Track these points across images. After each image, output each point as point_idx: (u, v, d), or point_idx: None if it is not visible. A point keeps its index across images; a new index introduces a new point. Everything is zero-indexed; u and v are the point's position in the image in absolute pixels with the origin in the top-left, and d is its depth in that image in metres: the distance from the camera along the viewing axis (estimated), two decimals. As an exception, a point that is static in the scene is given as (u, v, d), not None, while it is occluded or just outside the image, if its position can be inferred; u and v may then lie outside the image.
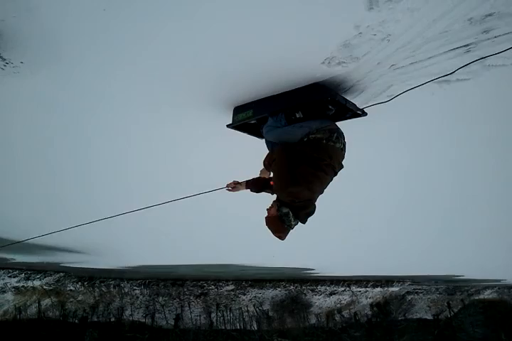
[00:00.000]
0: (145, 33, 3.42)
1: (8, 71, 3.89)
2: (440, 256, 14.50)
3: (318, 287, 23.89)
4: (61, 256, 14.41)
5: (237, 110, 4.45)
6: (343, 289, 24.40)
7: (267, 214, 3.62)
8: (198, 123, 5.09)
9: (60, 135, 5.59)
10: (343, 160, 3.82)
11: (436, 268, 18.33)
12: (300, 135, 3.74)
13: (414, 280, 25.27)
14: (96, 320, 21.80)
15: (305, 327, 24.17)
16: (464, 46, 3.55)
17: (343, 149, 3.79)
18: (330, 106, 3.97)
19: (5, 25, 3.26)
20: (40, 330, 19.62)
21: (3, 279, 18.07)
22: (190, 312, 23.05)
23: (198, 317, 23.24)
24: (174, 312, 23.04)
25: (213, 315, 23.42)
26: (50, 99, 4.60)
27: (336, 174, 3.75)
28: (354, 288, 24.49)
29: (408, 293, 26.67)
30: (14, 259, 15.41)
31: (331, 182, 3.75)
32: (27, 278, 18.71)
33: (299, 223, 3.64)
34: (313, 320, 24.83)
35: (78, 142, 5.80)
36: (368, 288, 24.72)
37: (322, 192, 3.73)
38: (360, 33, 3.38)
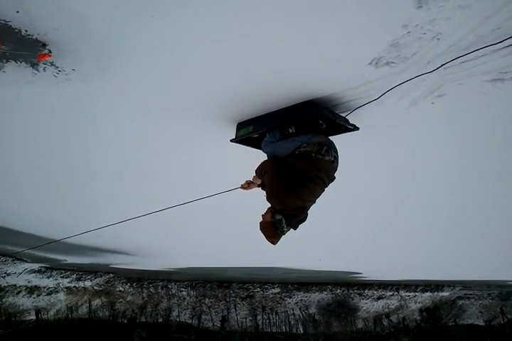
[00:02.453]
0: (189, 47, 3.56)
1: (60, 78, 4.01)
2: (492, 260, 14.04)
3: (366, 291, 23.49)
4: (111, 257, 14.76)
5: (240, 126, 4.85)
6: (391, 293, 23.91)
7: (261, 219, 3.91)
8: (210, 138, 5.45)
9: (108, 139, 5.74)
10: (336, 172, 4.07)
11: (488, 273, 17.74)
12: (292, 148, 3.98)
13: (465, 285, 24.54)
14: (144, 320, 22.15)
15: (352, 332, 23.83)
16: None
17: (334, 162, 4.00)
18: (320, 122, 4.22)
19: (58, 34, 3.37)
20: (91, 330, 20.09)
21: (56, 279, 18.59)
22: (236, 315, 23.12)
23: (244, 320, 23.28)
24: (220, 314, 23.15)
25: (259, 317, 23.40)
26: (101, 106, 4.72)
27: (326, 185, 4.00)
28: (402, 293, 23.96)
29: (459, 298, 25.83)
30: (66, 260, 15.87)
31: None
32: (78, 279, 19.22)
33: (291, 229, 3.93)
34: (360, 325, 24.46)
35: (123, 147, 5.99)
36: (416, 293, 24.13)
37: (314, 202, 4.00)
38: (408, 32, 3.32)
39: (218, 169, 6.47)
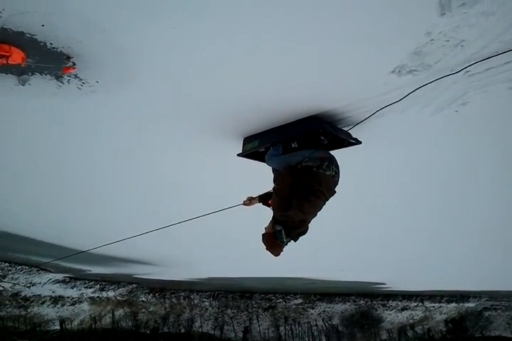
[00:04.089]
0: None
1: (84, 90, 4.06)
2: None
3: (390, 302, 23.24)
4: (134, 267, 14.83)
5: (246, 140, 4.95)
6: (415, 304, 23.61)
7: (264, 231, 4.01)
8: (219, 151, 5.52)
9: (132, 150, 5.79)
10: (336, 186, 4.15)
11: (516, 283, 17.41)
12: (294, 162, 4.09)
13: (492, 295, 24.08)
14: (167, 330, 22.18)
15: (376, 343, 23.58)
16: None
17: (335, 176, 4.10)
18: (322, 137, 4.35)
19: (81, 47, 3.42)
20: (114, 340, 20.17)
21: (79, 289, 18.73)
22: (259, 325, 23.03)
23: (267, 331, 23.17)
24: (243, 325, 23.09)
25: (281, 328, 23.28)
26: (122, 117, 4.77)
27: (327, 199, 4.09)
28: (427, 303, 23.63)
29: (485, 309, 25.37)
30: (90, 271, 16.00)
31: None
32: (102, 289, 19.35)
33: (292, 241, 3.98)
34: (384, 336, 24.16)
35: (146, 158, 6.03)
36: (442, 304, 23.79)
37: (315, 215, 4.08)
38: (431, 39, 3.28)
39: (229, 181, 6.53)
